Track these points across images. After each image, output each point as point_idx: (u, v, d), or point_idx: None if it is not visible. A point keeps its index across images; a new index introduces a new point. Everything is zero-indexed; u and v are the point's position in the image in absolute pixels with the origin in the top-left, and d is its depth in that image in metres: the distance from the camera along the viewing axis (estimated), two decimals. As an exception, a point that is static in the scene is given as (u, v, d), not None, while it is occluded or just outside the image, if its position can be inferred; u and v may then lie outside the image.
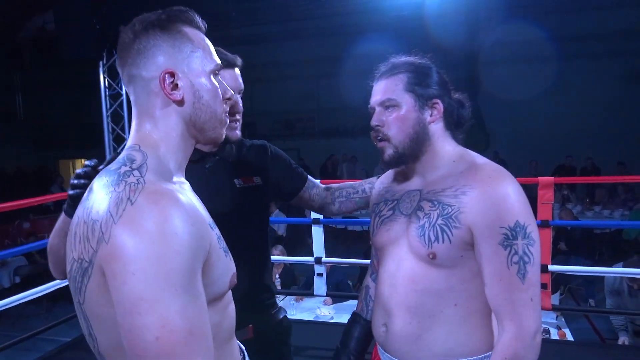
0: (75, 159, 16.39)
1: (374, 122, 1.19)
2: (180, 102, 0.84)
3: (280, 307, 1.54)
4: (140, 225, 0.68)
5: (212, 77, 0.87)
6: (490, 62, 11.11)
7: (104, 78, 5.22)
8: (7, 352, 2.92)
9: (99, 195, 0.74)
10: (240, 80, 1.37)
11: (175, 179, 0.83)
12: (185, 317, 0.67)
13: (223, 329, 0.83)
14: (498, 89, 11.01)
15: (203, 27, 0.89)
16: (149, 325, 0.65)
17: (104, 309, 0.71)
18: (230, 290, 0.86)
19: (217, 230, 0.81)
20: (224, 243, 0.83)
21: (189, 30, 0.86)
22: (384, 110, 1.18)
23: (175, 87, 0.83)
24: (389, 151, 1.18)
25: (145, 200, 0.70)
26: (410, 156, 1.18)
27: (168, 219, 0.69)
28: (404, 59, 1.22)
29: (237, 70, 1.37)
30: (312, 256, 3.22)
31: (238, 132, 1.35)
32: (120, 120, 5.32)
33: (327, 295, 3.61)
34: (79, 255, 0.73)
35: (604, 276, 4.21)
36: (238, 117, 1.34)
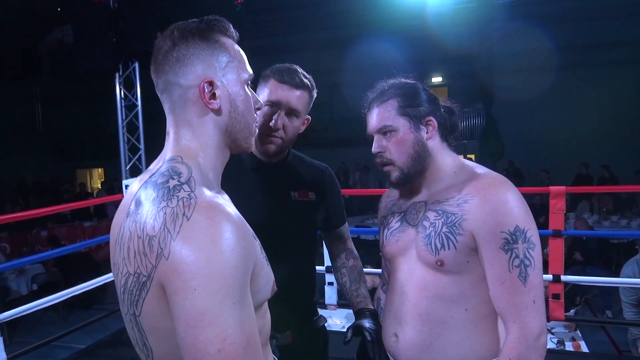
0: (92, 169, 16.66)
1: (375, 149, 1.24)
2: (218, 112, 0.85)
3: (321, 315, 1.56)
4: (199, 241, 0.70)
5: (246, 87, 0.88)
6: (504, 72, 11.07)
7: (120, 90, 5.30)
8: (23, 358, 2.97)
9: (151, 210, 0.75)
10: (297, 102, 1.36)
11: (215, 190, 0.83)
12: (243, 330, 0.70)
13: (262, 335, 0.86)
14: (513, 98, 10.95)
15: (235, 36, 0.90)
16: (212, 339, 0.67)
17: (161, 320, 0.74)
18: None
19: (258, 241, 0.83)
20: (264, 252, 0.85)
21: (225, 39, 0.87)
22: (382, 136, 1.22)
23: (213, 96, 0.84)
24: (395, 173, 1.22)
25: (201, 215, 0.72)
26: (416, 174, 1.22)
27: (224, 234, 0.71)
28: (390, 82, 1.26)
29: (297, 90, 1.37)
30: (323, 265, 3.23)
31: (274, 146, 1.37)
32: (135, 131, 5.40)
33: (339, 305, 3.61)
34: (135, 269, 0.75)
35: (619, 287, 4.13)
36: (274, 133, 1.35)
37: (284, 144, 1.38)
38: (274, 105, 1.34)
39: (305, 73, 1.39)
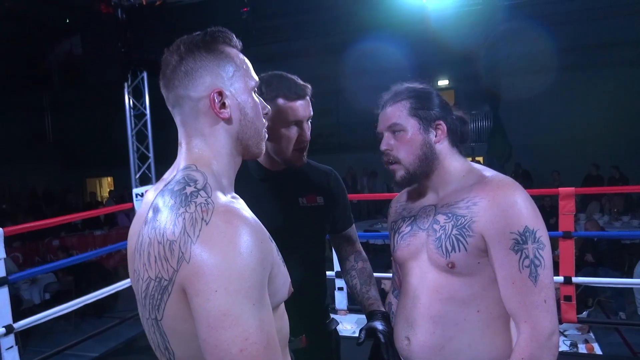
0: (101, 178, 16.79)
1: (383, 147, 1.26)
2: (229, 120, 0.87)
3: (333, 318, 1.57)
4: (218, 244, 0.72)
5: (253, 93, 0.91)
6: (511, 73, 11.02)
7: (129, 99, 5.34)
8: (37, 366, 3.00)
9: (170, 216, 0.77)
10: (310, 108, 1.40)
11: (229, 195, 0.85)
12: (263, 330, 0.72)
13: (282, 336, 0.87)
14: (520, 100, 10.90)
15: (239, 45, 0.92)
16: (234, 339, 0.70)
17: (183, 323, 0.76)
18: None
19: (274, 243, 0.85)
20: (280, 254, 0.87)
21: (230, 50, 0.89)
22: (392, 134, 1.24)
23: (223, 105, 0.86)
24: (400, 172, 1.24)
25: (219, 220, 0.74)
26: (421, 175, 1.24)
27: (242, 237, 0.73)
28: (405, 85, 1.28)
29: (307, 99, 1.39)
30: (333, 270, 3.24)
31: (305, 155, 1.42)
32: (144, 140, 5.43)
33: (349, 310, 3.62)
34: (156, 274, 0.77)
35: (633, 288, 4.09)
36: (305, 144, 1.39)
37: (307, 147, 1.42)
38: (298, 123, 1.35)
39: (295, 77, 1.40)
